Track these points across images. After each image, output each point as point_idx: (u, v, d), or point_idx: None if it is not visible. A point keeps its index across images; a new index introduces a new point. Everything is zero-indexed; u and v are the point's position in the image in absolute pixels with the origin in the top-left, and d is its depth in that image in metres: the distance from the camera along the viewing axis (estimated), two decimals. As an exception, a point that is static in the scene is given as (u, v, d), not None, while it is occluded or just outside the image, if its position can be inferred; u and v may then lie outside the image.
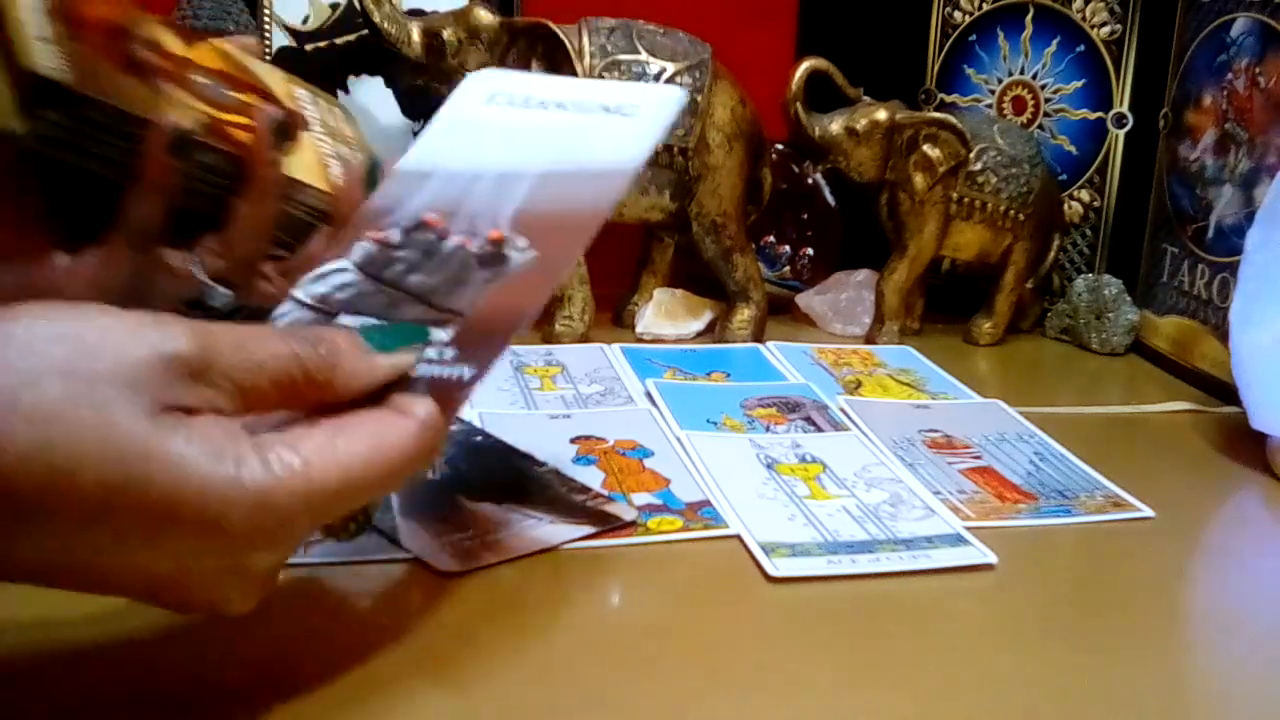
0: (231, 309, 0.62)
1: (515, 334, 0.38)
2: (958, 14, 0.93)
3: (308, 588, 0.43)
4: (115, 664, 0.37)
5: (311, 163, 0.49)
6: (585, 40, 0.77)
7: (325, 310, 0.39)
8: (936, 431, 0.63)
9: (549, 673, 0.38)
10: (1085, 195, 0.92)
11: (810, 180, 0.99)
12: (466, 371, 0.36)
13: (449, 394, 0.35)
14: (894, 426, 0.63)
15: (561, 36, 0.75)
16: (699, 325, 0.84)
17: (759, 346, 0.79)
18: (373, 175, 0.49)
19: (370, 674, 0.37)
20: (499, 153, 0.44)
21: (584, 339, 0.79)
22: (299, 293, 0.39)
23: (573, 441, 0.59)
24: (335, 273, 0.40)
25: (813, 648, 0.41)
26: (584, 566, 0.46)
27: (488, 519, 0.48)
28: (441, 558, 0.45)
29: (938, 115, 0.82)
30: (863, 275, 0.90)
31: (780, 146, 0.94)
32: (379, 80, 0.86)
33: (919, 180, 0.82)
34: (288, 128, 0.47)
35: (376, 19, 0.76)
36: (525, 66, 0.77)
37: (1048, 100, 0.91)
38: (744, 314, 0.82)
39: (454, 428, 0.54)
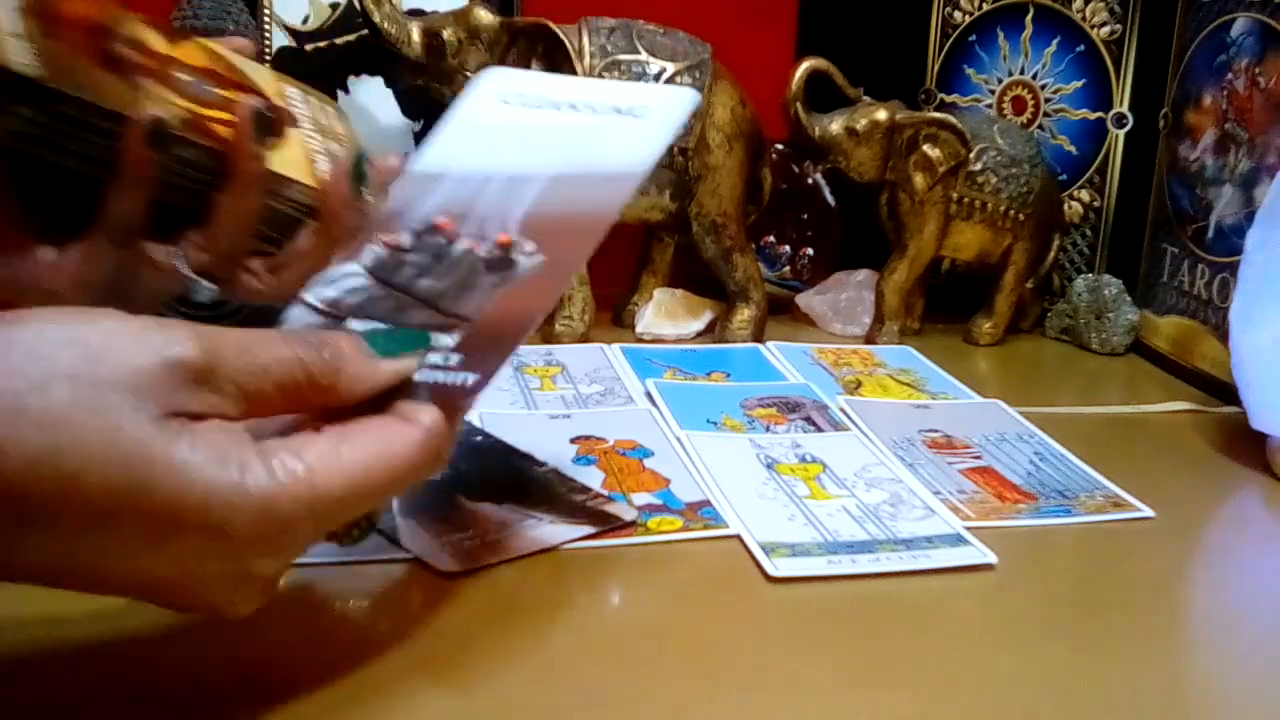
0: (218, 304, 0.62)
1: (521, 340, 0.38)
2: (958, 14, 0.93)
3: (308, 588, 0.43)
4: (115, 663, 0.37)
5: (298, 158, 0.48)
6: (585, 40, 0.77)
7: (334, 314, 0.39)
8: (936, 431, 0.63)
9: (549, 673, 0.39)
10: (1085, 195, 0.92)
11: (810, 180, 0.99)
12: (471, 379, 0.36)
13: (453, 401, 0.35)
14: (894, 426, 0.63)
15: (561, 36, 0.75)
16: (699, 325, 0.84)
17: (759, 346, 0.79)
18: (358, 170, 0.49)
19: (370, 674, 0.37)
20: (510, 154, 0.44)
21: (584, 339, 0.79)
22: (309, 296, 0.40)
23: (573, 441, 0.59)
24: (345, 276, 0.40)
25: (813, 648, 0.41)
26: (584, 566, 0.46)
27: (488, 519, 0.48)
28: (441, 558, 0.45)
29: (938, 115, 0.82)
30: (863, 275, 0.90)
31: (780, 146, 0.94)
32: (379, 80, 0.87)
33: (919, 180, 0.82)
34: (271, 122, 0.47)
35: (376, 19, 0.76)
36: (525, 66, 0.77)
37: (1048, 100, 0.91)
38: (744, 314, 0.82)
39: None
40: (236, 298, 0.47)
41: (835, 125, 0.81)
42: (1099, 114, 0.90)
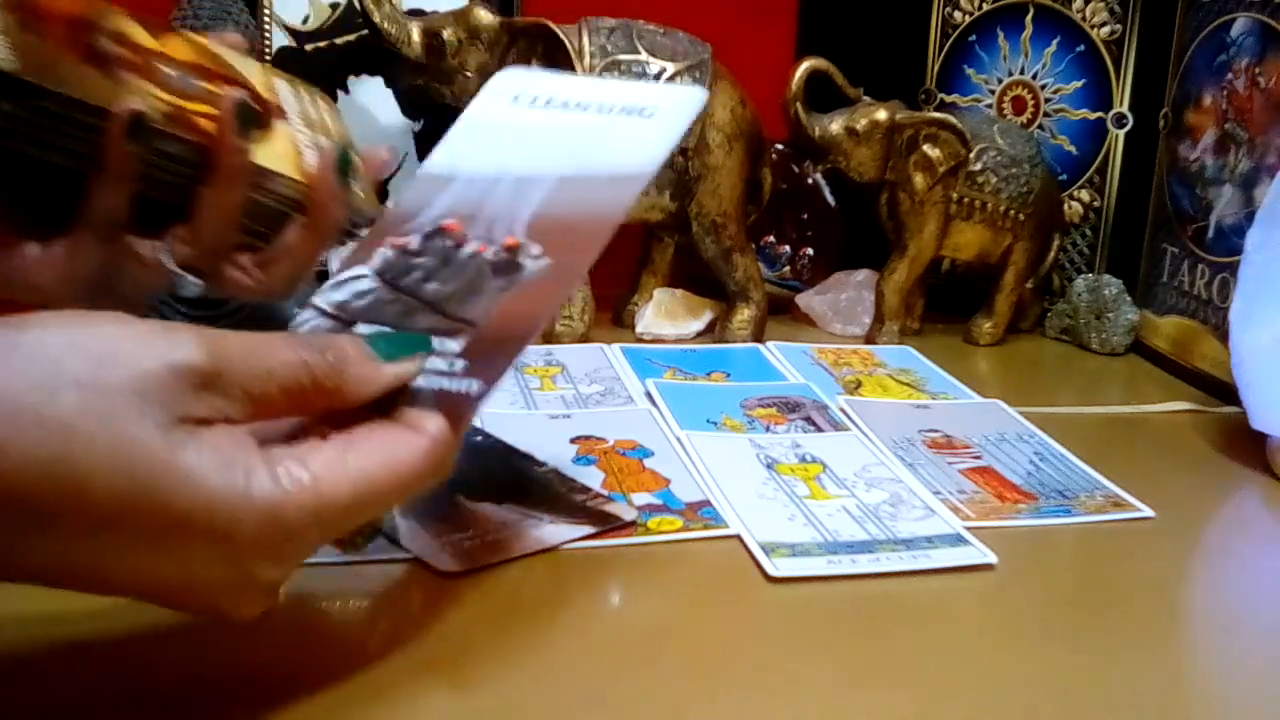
0: (218, 304, 0.62)
1: (525, 345, 0.38)
2: (958, 14, 0.93)
3: (308, 588, 0.43)
4: (115, 662, 0.37)
5: (285, 152, 0.48)
6: (585, 40, 0.77)
7: (343, 319, 0.39)
8: (936, 431, 0.63)
9: (549, 673, 0.39)
10: (1085, 195, 0.92)
11: (810, 180, 0.99)
12: (475, 386, 0.36)
13: (458, 409, 0.35)
14: (894, 426, 0.63)
15: (561, 36, 0.75)
16: (699, 325, 0.84)
17: (759, 346, 0.79)
18: (344, 164, 0.48)
19: (370, 674, 0.37)
20: (519, 156, 0.44)
21: (584, 339, 0.79)
22: (319, 300, 0.40)
23: (573, 441, 0.59)
24: (354, 279, 0.40)
25: (813, 648, 0.41)
26: (584, 566, 0.46)
27: (488, 519, 0.48)
28: (441, 558, 0.45)
29: (938, 115, 0.82)
30: (863, 275, 0.90)
31: (780, 146, 0.94)
32: (379, 80, 0.86)
33: (919, 180, 0.82)
34: (256, 115, 0.46)
35: (376, 19, 0.76)
36: (525, 66, 0.77)
37: (1048, 100, 0.91)
38: (744, 314, 0.82)
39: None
40: (224, 293, 0.47)
41: (835, 125, 0.81)
42: (1099, 114, 0.90)
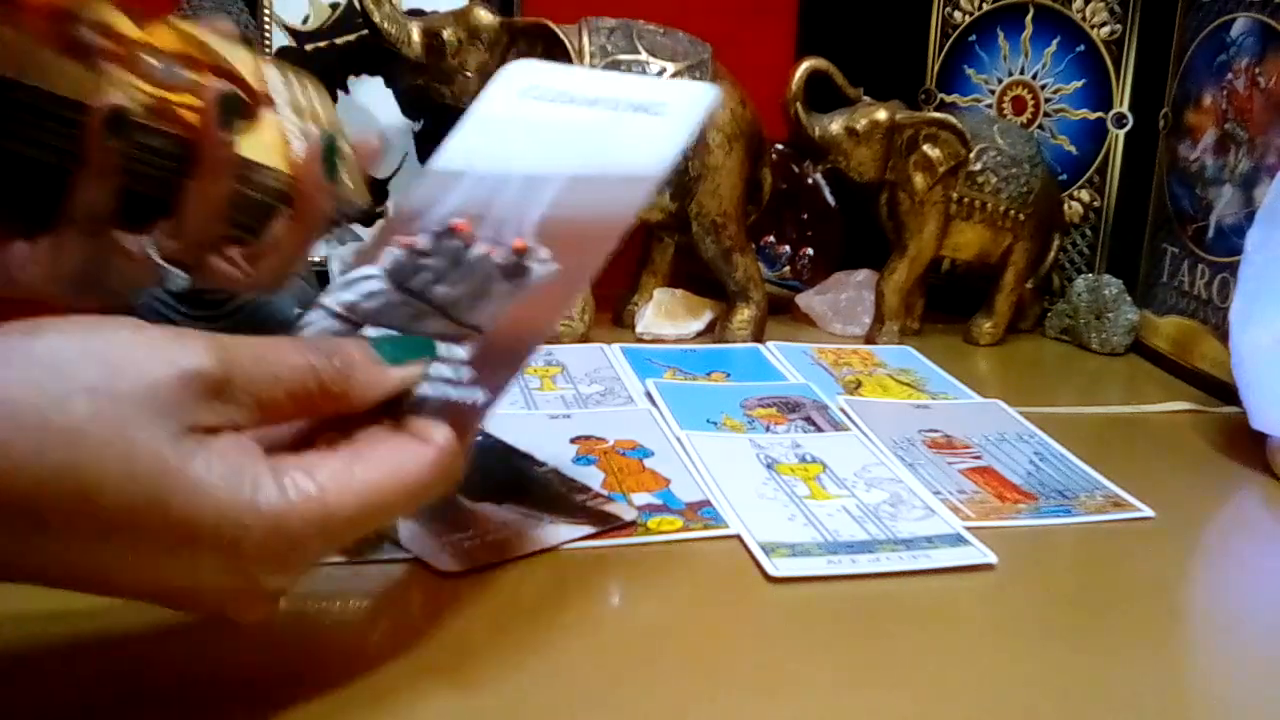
0: (217, 303, 0.61)
1: (531, 353, 0.38)
2: (958, 14, 0.93)
3: (308, 587, 0.43)
4: (115, 661, 0.37)
5: (273, 142, 0.47)
6: (585, 40, 0.77)
7: (352, 320, 0.39)
8: (936, 431, 0.63)
9: (549, 672, 0.38)
10: (1085, 195, 0.92)
11: (810, 180, 0.99)
12: (481, 396, 0.36)
13: (465, 419, 0.35)
14: (894, 426, 0.63)
15: (561, 36, 0.75)
16: (699, 325, 0.84)
17: (759, 346, 0.79)
18: (330, 154, 0.47)
19: (369, 673, 0.37)
20: (529, 153, 0.44)
21: (584, 339, 0.79)
22: (328, 300, 0.40)
23: (573, 441, 0.59)
24: (364, 280, 0.40)
25: (813, 648, 0.41)
26: (584, 566, 0.46)
27: (488, 519, 0.48)
28: (441, 558, 0.45)
29: (938, 115, 0.82)
30: (863, 275, 0.90)
31: (780, 146, 0.94)
32: (379, 80, 0.86)
33: (919, 180, 0.82)
34: (242, 105, 0.46)
35: (376, 19, 0.76)
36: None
37: (1048, 100, 0.91)
38: (744, 314, 0.82)
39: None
40: (212, 286, 0.47)
41: (835, 125, 0.81)
42: (1099, 114, 0.90)
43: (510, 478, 0.53)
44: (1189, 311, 0.80)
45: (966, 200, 0.84)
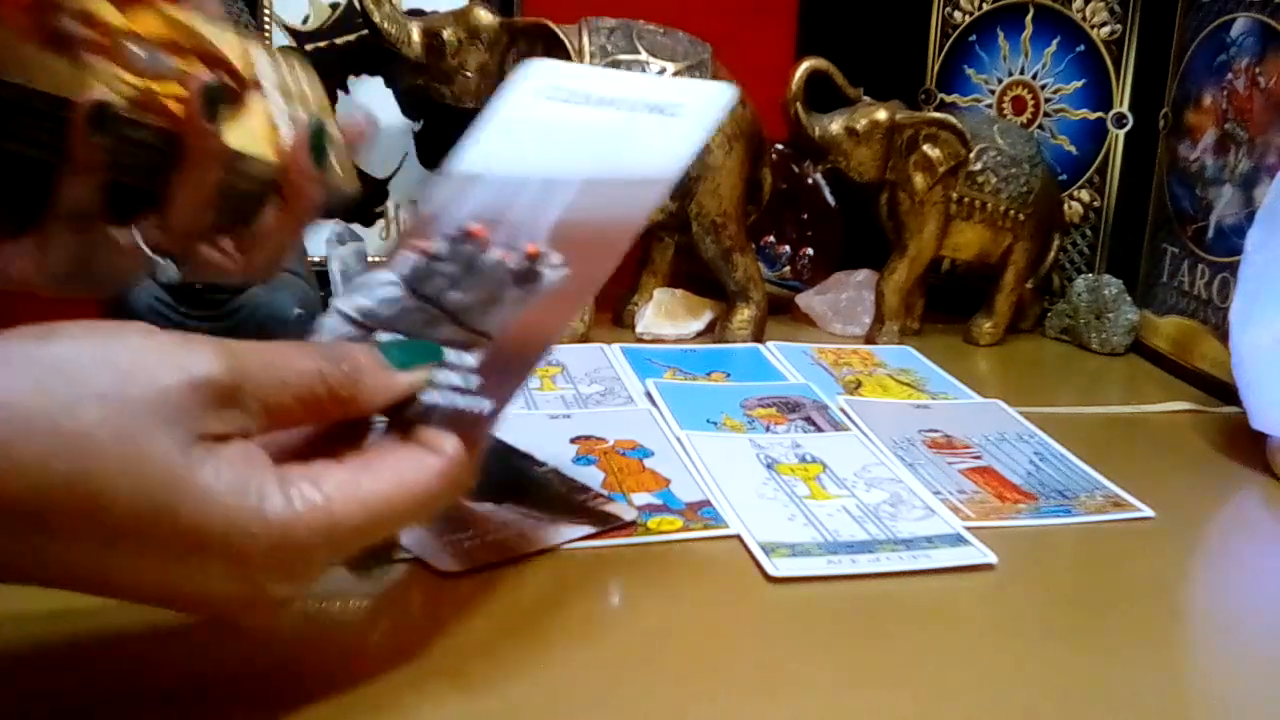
0: (217, 303, 0.61)
1: (538, 361, 0.38)
2: (958, 14, 0.93)
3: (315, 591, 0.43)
4: (115, 661, 0.37)
5: (260, 128, 0.46)
6: (585, 40, 0.77)
7: (366, 325, 0.39)
8: (936, 431, 0.63)
9: (549, 672, 0.38)
10: (1085, 195, 0.92)
11: (810, 180, 0.99)
12: (488, 405, 0.36)
13: (474, 429, 0.35)
14: (894, 426, 0.63)
15: (561, 36, 0.75)
16: (699, 325, 0.84)
17: (759, 346, 0.79)
18: (318, 140, 0.47)
19: (369, 673, 0.37)
20: (546, 155, 0.44)
21: (584, 339, 0.79)
22: (344, 305, 0.40)
23: (573, 441, 0.59)
24: (381, 285, 0.40)
25: (813, 648, 0.41)
26: (584, 566, 0.46)
27: (488, 519, 0.48)
28: (441, 558, 0.45)
29: (938, 115, 0.82)
30: (863, 275, 0.90)
31: (780, 146, 0.94)
32: (379, 80, 0.86)
33: (919, 180, 0.82)
34: (228, 93, 0.45)
35: (376, 19, 0.76)
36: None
37: (1048, 100, 0.91)
38: (744, 314, 0.82)
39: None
40: (201, 277, 0.47)
41: (835, 125, 0.81)
42: (1099, 114, 0.90)
43: (510, 478, 0.53)
44: (1189, 311, 0.80)
45: (966, 200, 0.84)
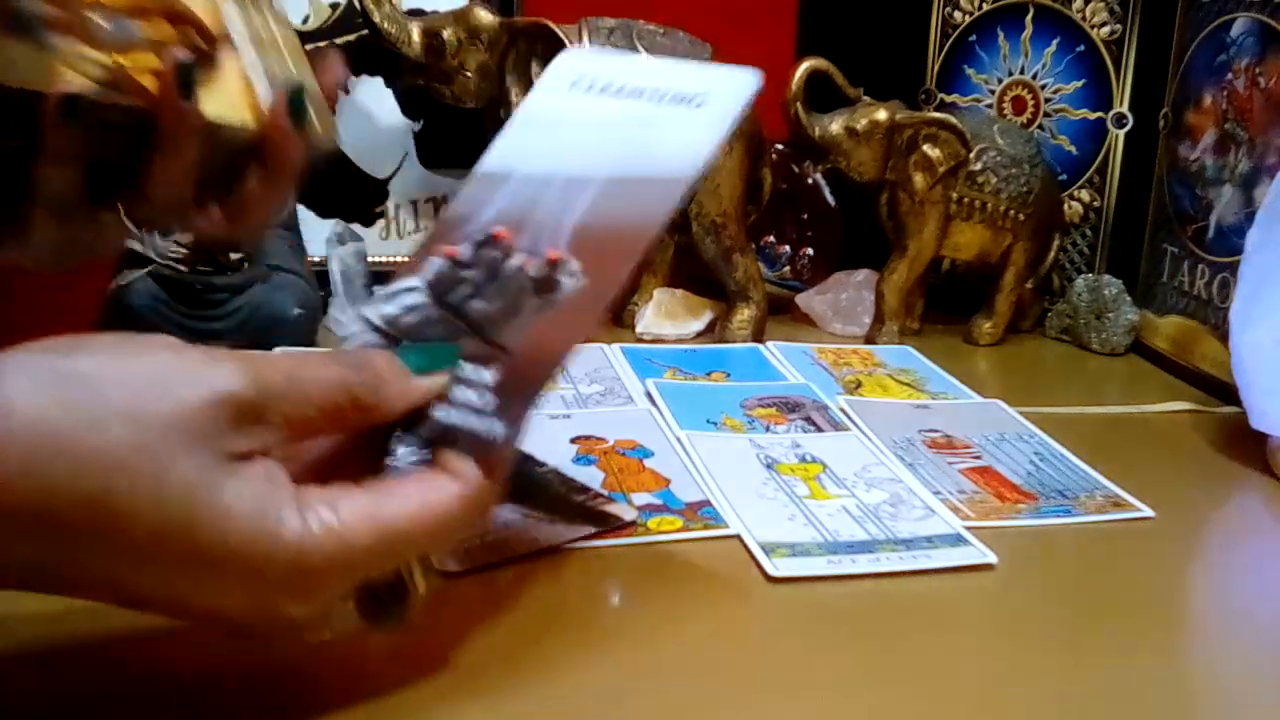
0: (217, 302, 0.61)
1: (551, 379, 0.38)
2: (958, 14, 0.93)
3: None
4: (115, 661, 0.37)
5: (236, 91, 0.45)
6: (585, 40, 0.77)
7: (391, 334, 0.39)
8: (936, 431, 0.63)
9: (548, 672, 0.38)
10: (1085, 195, 0.92)
11: (810, 180, 0.99)
12: (502, 430, 0.36)
13: (493, 454, 0.35)
14: (894, 426, 0.63)
15: (561, 36, 0.75)
16: (699, 325, 0.84)
17: (759, 346, 0.79)
18: (297, 105, 0.46)
19: (368, 673, 0.37)
20: (571, 153, 0.43)
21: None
22: (369, 312, 0.39)
23: (573, 441, 0.59)
24: (406, 292, 0.40)
25: (813, 648, 0.41)
26: (584, 566, 0.46)
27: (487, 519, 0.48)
28: (441, 558, 0.45)
29: (938, 115, 0.82)
30: (863, 275, 0.90)
31: (780, 146, 0.94)
32: (379, 80, 0.86)
33: (919, 180, 0.81)
34: (200, 58, 0.43)
35: (376, 19, 0.76)
36: (525, 67, 0.77)
37: (1048, 100, 0.91)
38: (744, 314, 0.82)
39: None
40: (194, 241, 0.46)
41: (835, 125, 0.81)
42: (1099, 114, 0.90)
43: (510, 478, 0.53)
44: (1189, 311, 0.80)
45: (966, 200, 0.84)
